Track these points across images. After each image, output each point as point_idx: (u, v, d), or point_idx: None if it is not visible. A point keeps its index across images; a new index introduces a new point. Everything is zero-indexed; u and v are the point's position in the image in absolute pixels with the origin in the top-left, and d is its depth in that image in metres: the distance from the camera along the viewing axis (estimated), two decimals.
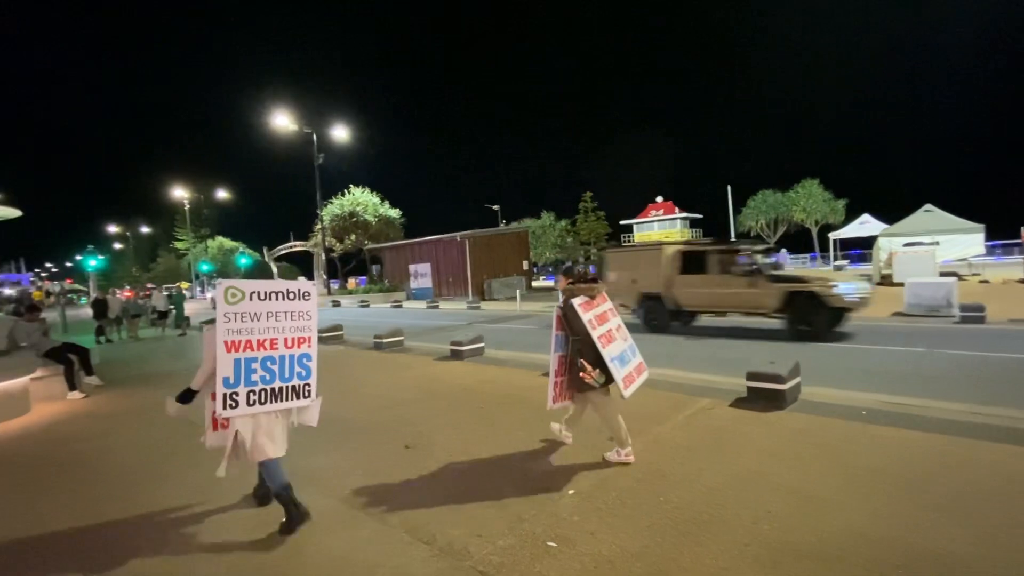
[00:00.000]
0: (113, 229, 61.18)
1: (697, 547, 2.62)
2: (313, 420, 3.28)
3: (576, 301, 3.80)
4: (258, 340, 3.01)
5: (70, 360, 7.28)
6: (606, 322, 3.94)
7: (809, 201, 48.39)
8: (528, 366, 7.66)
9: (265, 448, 3.00)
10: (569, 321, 3.84)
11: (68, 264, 76.82)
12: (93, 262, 28.88)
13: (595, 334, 3.70)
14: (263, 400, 2.99)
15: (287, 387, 3.08)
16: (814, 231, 49.73)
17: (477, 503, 3.24)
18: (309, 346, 3.19)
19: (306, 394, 3.15)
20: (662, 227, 50.51)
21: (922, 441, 3.88)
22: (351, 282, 38.99)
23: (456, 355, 8.48)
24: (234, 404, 2.90)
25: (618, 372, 3.72)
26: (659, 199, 50.92)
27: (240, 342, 2.95)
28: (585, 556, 2.60)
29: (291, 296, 3.16)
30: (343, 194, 38.39)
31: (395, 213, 39.18)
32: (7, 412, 6.15)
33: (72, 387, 7.16)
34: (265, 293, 3.07)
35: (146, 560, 2.80)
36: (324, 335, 11.81)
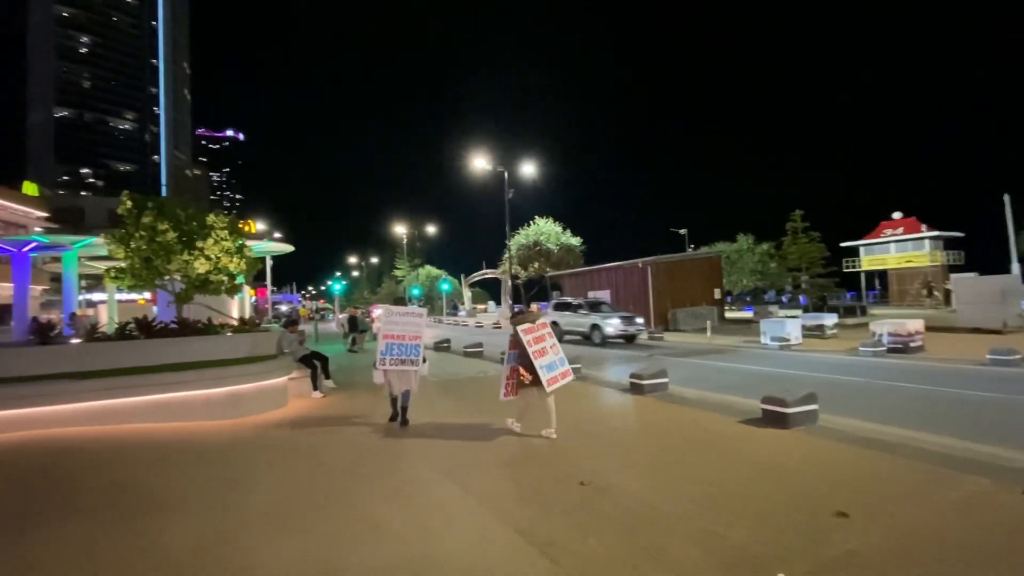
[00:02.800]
0: (352, 260, 75.83)
1: None
2: (425, 372, 6.85)
3: (520, 328, 5.60)
4: (395, 334, 6.35)
5: (315, 365, 8.97)
6: (542, 341, 5.63)
7: None
8: (720, 409, 6.77)
9: (401, 386, 6.31)
10: (516, 342, 5.68)
11: (322, 287, 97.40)
12: (337, 287, 36.14)
13: (530, 349, 5.46)
14: (396, 364, 6.28)
15: (407, 359, 6.32)
16: None
17: (664, 567, 2.83)
18: (419, 339, 6.42)
19: (416, 363, 6.36)
20: (902, 249, 40.83)
21: None
22: (534, 307, 40.84)
23: (636, 388, 7.99)
24: (384, 364, 6.28)
25: (544, 375, 5.41)
26: (896, 215, 41.32)
27: (389, 334, 6.34)
28: None
29: (411, 314, 6.66)
30: (528, 224, 40.83)
31: (576, 241, 40.04)
32: (274, 403, 7.79)
33: (315, 388, 8.78)
34: (400, 312, 6.71)
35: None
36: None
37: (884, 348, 12.39)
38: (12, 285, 17.52)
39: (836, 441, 5.11)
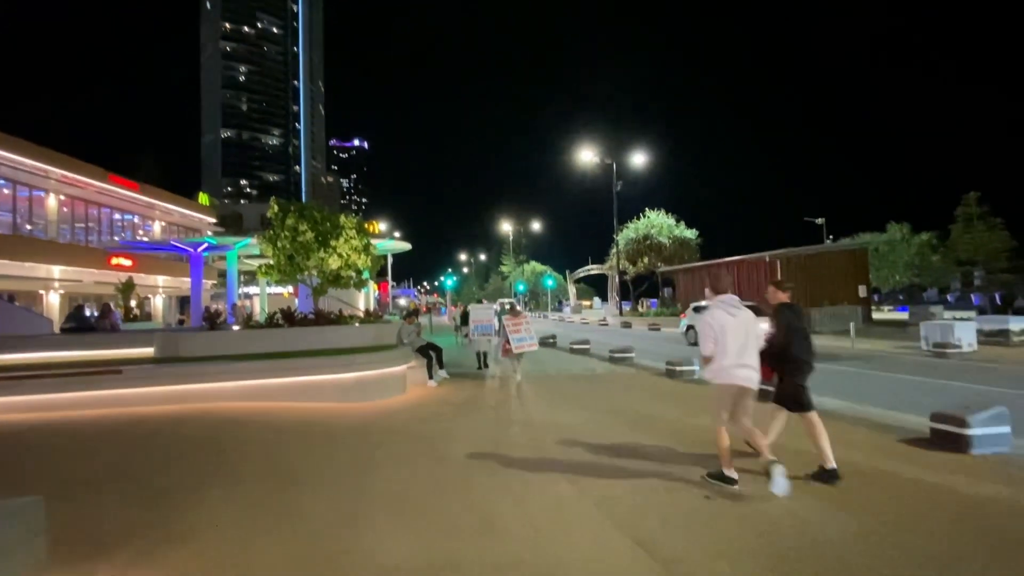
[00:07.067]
0: (463, 257, 79.35)
1: None
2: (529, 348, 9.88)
3: (506, 317, 9.94)
4: (479, 319, 12.12)
5: (430, 356, 9.41)
6: (519, 326, 9.63)
7: None
8: (870, 425, 5.85)
9: (482, 347, 11.61)
10: (502, 325, 9.90)
11: (436, 283, 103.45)
12: (449, 282, 38.12)
13: (508, 329, 9.55)
14: (480, 335, 11.77)
15: (486, 333, 11.80)
16: None
17: None
18: (491, 322, 12.24)
19: (490, 336, 11.82)
20: None
21: None
22: (643, 304, 39.33)
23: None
24: (473, 335, 12.16)
25: (513, 343, 9.40)
26: None
27: (476, 320, 12.19)
28: None
29: (487, 308, 14.14)
30: (638, 218, 39.32)
31: (691, 234, 37.78)
32: (395, 390, 8.30)
33: (430, 377, 9.22)
34: (482, 308, 13.74)
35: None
36: (616, 354, 12.01)
37: None
38: (190, 280, 20.94)
39: None
